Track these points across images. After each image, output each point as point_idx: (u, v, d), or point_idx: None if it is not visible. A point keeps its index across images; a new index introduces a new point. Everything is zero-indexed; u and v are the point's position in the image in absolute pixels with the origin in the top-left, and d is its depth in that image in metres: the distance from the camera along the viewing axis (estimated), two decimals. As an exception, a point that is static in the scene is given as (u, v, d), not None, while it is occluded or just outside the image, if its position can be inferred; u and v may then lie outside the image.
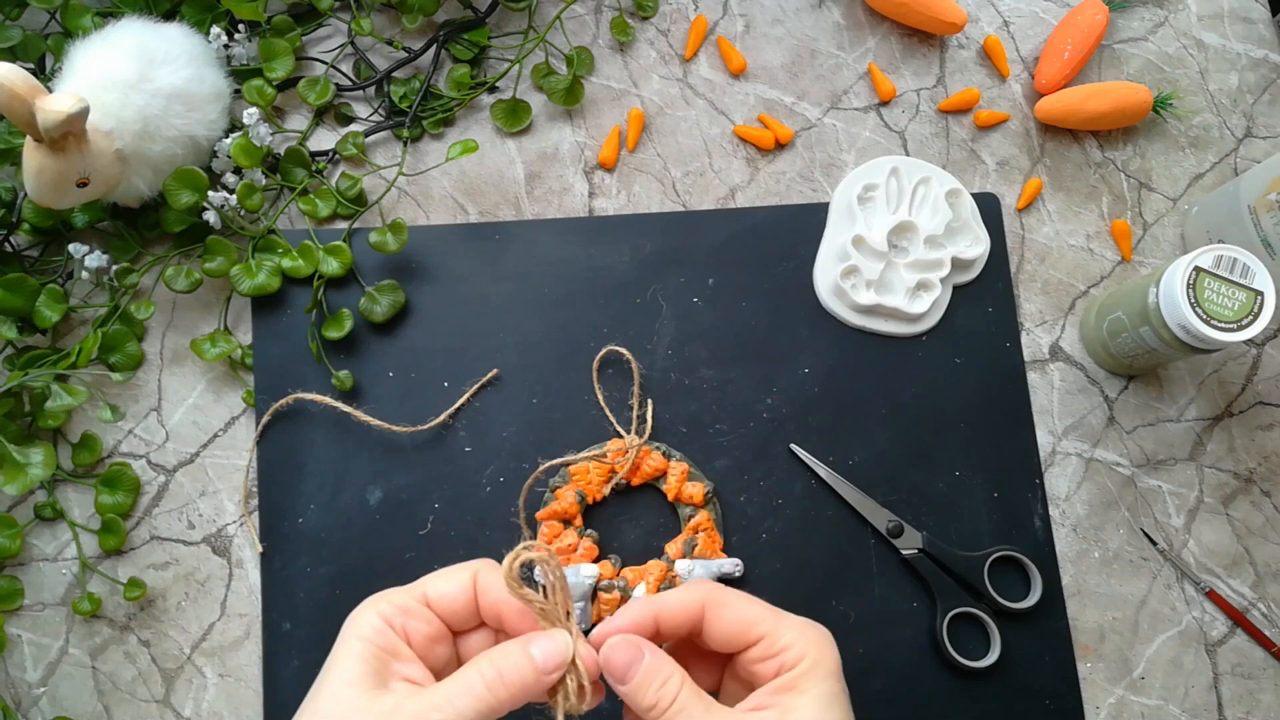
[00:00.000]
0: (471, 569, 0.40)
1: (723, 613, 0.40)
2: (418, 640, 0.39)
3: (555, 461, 0.60)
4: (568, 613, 0.39)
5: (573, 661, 0.38)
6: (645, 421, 0.62)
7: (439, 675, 0.38)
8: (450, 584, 0.40)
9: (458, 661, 0.41)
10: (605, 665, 0.38)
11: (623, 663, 0.38)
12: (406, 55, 0.68)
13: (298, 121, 0.68)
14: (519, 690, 0.37)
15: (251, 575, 0.61)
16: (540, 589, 0.39)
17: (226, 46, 0.65)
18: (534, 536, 0.60)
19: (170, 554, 0.61)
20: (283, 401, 0.61)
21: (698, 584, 0.42)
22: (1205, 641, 0.62)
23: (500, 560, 0.38)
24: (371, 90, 0.69)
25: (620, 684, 0.38)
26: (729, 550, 0.61)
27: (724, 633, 0.40)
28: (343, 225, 0.66)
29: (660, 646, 0.40)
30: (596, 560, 0.59)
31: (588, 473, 0.60)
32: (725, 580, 0.60)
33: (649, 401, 0.63)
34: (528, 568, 0.42)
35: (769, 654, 0.39)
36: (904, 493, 0.63)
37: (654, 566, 0.59)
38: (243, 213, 0.63)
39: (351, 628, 0.38)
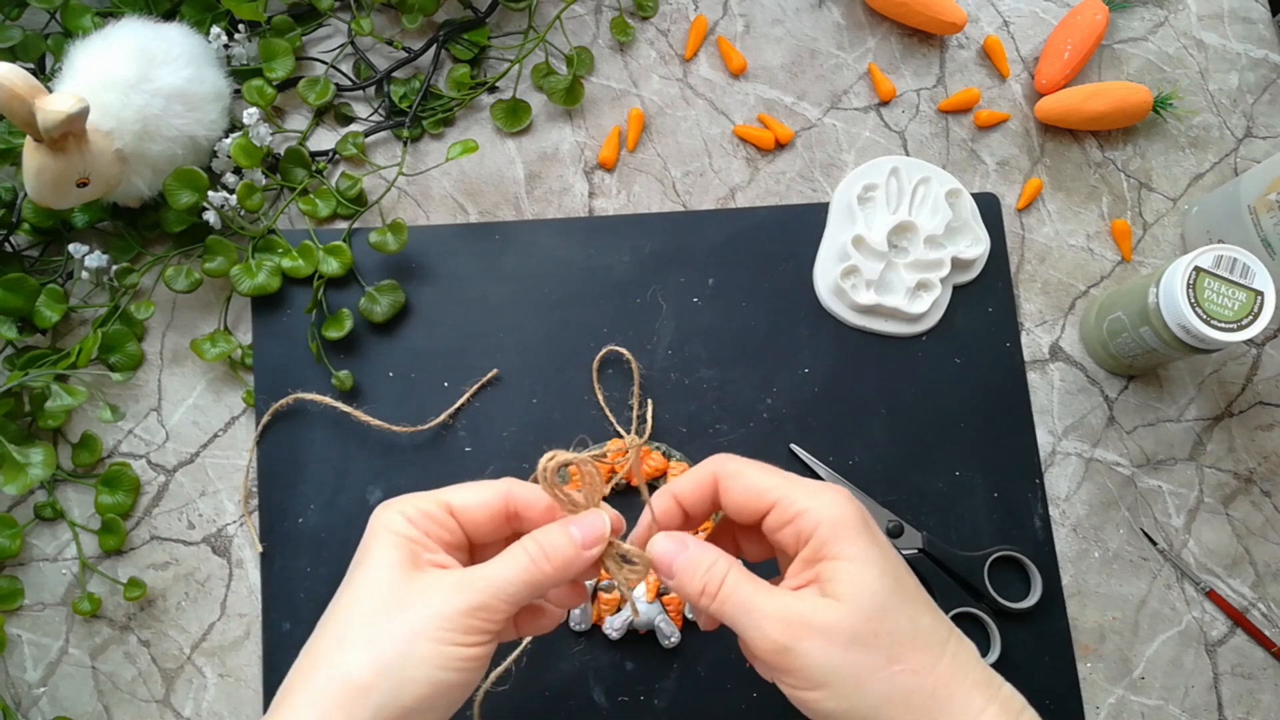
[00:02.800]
0: (499, 486, 0.41)
1: (734, 483, 0.40)
2: (438, 544, 0.40)
3: (555, 461, 0.60)
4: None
5: (611, 539, 0.39)
6: (645, 421, 0.62)
7: None
8: (476, 496, 0.40)
9: None
10: (653, 560, 0.39)
11: (666, 555, 0.39)
12: (406, 55, 0.68)
13: (298, 121, 0.68)
14: (561, 565, 0.38)
15: (251, 575, 0.61)
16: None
17: (226, 46, 0.65)
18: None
19: (170, 554, 0.61)
20: (283, 401, 0.61)
21: (711, 458, 0.42)
22: (1205, 641, 0.62)
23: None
24: (371, 90, 0.69)
25: (668, 577, 0.39)
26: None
27: (736, 502, 0.40)
28: (343, 225, 0.66)
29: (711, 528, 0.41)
30: (596, 560, 0.59)
31: (588, 473, 0.60)
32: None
33: (649, 401, 0.63)
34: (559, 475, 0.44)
35: (784, 520, 0.38)
36: (904, 493, 0.63)
37: (654, 566, 0.59)
38: (243, 213, 0.63)
39: (378, 524, 0.39)
